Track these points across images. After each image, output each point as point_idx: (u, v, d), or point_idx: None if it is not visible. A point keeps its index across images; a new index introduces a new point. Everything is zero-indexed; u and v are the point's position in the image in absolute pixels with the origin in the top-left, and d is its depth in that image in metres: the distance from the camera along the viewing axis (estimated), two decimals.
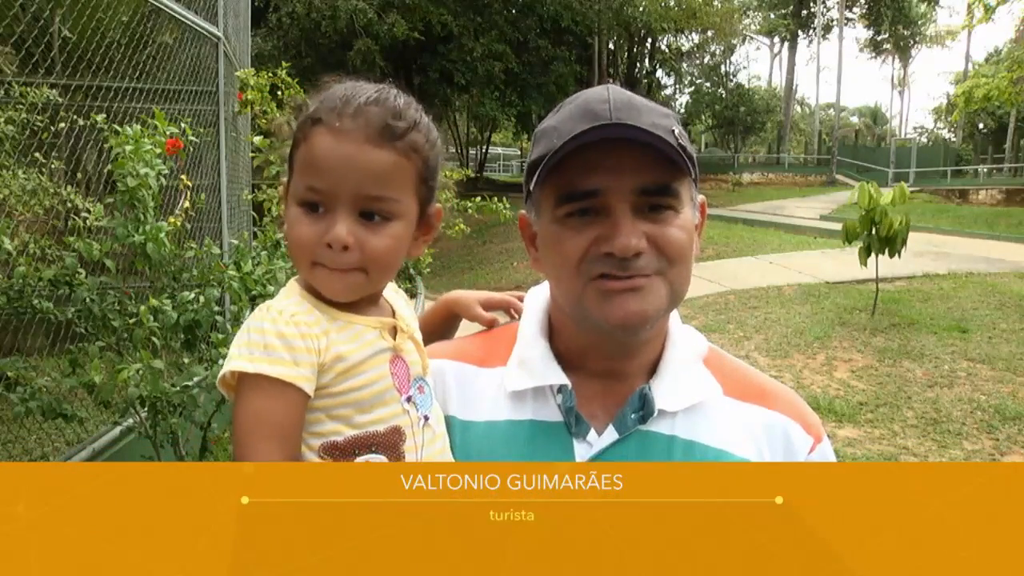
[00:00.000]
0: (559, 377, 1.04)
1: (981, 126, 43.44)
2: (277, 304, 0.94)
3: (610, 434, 1.02)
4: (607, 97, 0.97)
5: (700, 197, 1.06)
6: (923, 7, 44.55)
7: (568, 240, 0.98)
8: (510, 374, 1.08)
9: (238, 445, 0.88)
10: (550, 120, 1.02)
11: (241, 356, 0.89)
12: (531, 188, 1.03)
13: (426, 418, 1.00)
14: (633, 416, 1.02)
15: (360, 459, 0.93)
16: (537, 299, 1.15)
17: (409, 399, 0.99)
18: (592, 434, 1.02)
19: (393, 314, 1.03)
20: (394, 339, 1.00)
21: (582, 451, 1.01)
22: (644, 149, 0.94)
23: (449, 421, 1.06)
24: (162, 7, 4.26)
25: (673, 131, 0.96)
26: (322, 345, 0.91)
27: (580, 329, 1.05)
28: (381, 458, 0.94)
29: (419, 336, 1.06)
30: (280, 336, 0.89)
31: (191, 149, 3.34)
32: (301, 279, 0.98)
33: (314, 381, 0.90)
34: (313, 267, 0.93)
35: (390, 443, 0.95)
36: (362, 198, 0.91)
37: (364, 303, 0.99)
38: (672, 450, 1.01)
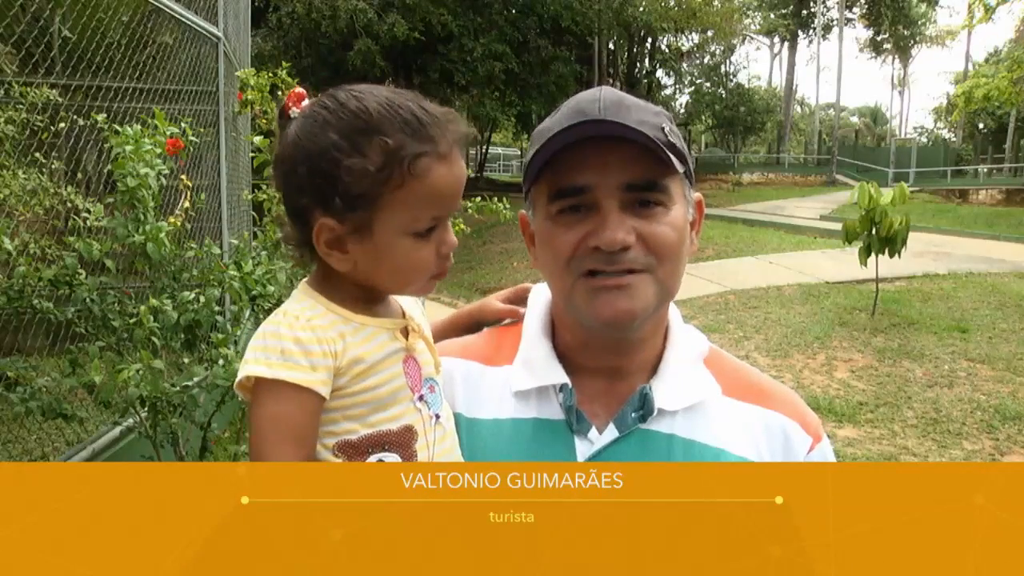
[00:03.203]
0: (561, 376, 1.06)
1: (981, 126, 43.38)
2: (292, 308, 0.96)
3: (610, 432, 1.03)
4: (598, 97, 0.99)
5: (696, 195, 1.07)
6: (923, 7, 44.57)
7: (559, 236, 0.99)
8: (515, 374, 1.09)
9: (255, 447, 0.90)
10: (546, 123, 1.04)
11: (258, 361, 0.91)
12: (527, 187, 1.05)
13: (437, 416, 1.02)
14: (633, 415, 1.03)
15: (373, 457, 0.95)
16: (540, 299, 1.17)
17: (421, 398, 1.00)
18: (593, 432, 1.03)
19: (403, 314, 1.05)
20: (406, 339, 1.01)
21: (583, 449, 1.02)
22: (630, 145, 0.95)
23: (456, 418, 1.08)
24: (162, 7, 4.26)
25: (663, 128, 0.97)
26: (338, 348, 0.93)
27: (576, 327, 1.06)
28: (394, 456, 0.96)
29: (430, 335, 1.08)
30: (297, 341, 0.91)
31: (191, 149, 3.34)
32: (311, 282, 1.00)
33: (330, 384, 0.92)
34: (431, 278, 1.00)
35: (403, 441, 0.97)
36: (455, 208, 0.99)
37: (376, 304, 1.01)
38: (671, 449, 1.03)
